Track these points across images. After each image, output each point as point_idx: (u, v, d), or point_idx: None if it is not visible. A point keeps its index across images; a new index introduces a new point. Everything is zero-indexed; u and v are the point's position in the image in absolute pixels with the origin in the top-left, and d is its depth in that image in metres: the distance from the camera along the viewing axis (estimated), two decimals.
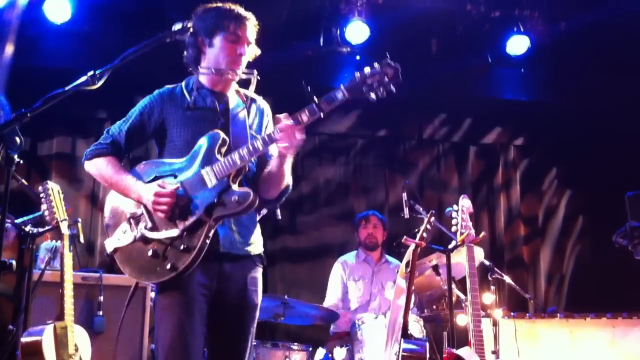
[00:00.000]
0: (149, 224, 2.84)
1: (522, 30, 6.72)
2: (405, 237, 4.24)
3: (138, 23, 6.10)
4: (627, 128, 7.00)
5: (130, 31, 6.14)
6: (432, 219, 4.33)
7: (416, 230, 4.30)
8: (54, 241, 4.54)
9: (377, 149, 7.35)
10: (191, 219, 2.79)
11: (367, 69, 2.77)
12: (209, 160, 2.84)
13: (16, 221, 4.13)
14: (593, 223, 7.41)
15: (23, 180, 4.22)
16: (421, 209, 4.88)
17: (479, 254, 4.74)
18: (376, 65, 2.78)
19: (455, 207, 4.19)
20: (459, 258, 4.32)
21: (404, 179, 6.13)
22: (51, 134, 6.48)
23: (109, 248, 2.92)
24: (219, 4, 3.05)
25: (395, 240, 5.99)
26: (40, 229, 4.07)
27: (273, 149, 2.94)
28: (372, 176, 7.31)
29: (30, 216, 4.18)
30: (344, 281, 5.87)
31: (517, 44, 6.75)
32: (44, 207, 4.00)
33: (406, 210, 4.90)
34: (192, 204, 2.81)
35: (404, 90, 7.33)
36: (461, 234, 4.10)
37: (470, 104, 7.39)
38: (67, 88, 2.51)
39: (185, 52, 3.09)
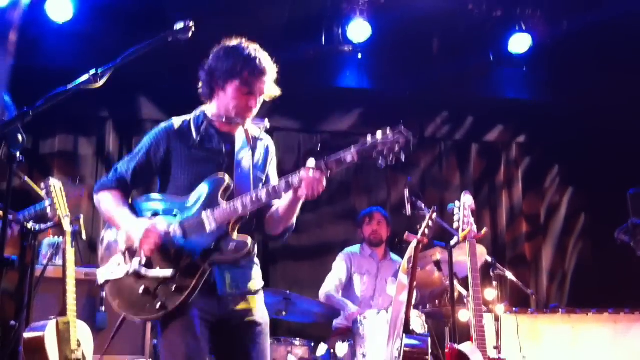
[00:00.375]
0: (144, 260, 2.82)
1: (523, 29, 6.74)
2: (407, 233, 4.24)
3: (139, 24, 6.11)
4: (629, 125, 6.99)
5: (132, 32, 6.16)
6: (434, 215, 4.32)
7: (418, 226, 4.30)
8: (56, 237, 4.55)
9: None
10: (186, 261, 2.78)
11: (379, 135, 2.73)
12: (211, 203, 2.82)
13: (19, 213, 4.15)
14: (595, 220, 7.41)
15: (26, 177, 4.24)
16: (423, 205, 4.88)
17: (482, 252, 4.74)
18: (389, 132, 2.73)
19: (457, 203, 4.18)
20: (462, 256, 4.32)
21: (406, 177, 6.13)
22: (53, 133, 6.49)
23: (100, 279, 2.90)
24: (240, 47, 2.95)
25: (397, 237, 6.02)
26: (43, 226, 4.09)
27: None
28: (374, 174, 7.30)
29: (32, 207, 4.20)
30: (349, 272, 5.87)
31: (519, 42, 6.77)
32: (46, 203, 4.01)
33: (408, 207, 4.90)
34: (188, 246, 2.80)
35: (406, 89, 7.38)
36: (463, 230, 4.09)
37: (472, 102, 7.39)
38: (69, 87, 2.53)
39: (200, 85, 3.04)
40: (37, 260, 4.33)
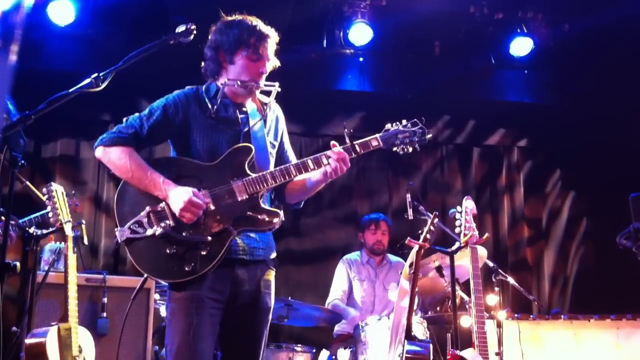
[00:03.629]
0: (172, 223, 2.83)
1: (525, 31, 6.73)
2: (408, 238, 4.22)
3: (141, 27, 6.12)
4: (631, 129, 6.97)
5: (134, 35, 6.16)
6: (436, 220, 4.30)
7: (420, 231, 4.28)
8: (57, 243, 4.54)
9: (380, 151, 7.32)
10: (219, 227, 2.82)
11: (399, 125, 3.11)
12: (238, 173, 2.88)
13: (21, 220, 4.13)
14: (597, 225, 7.38)
15: (27, 182, 4.23)
16: (425, 210, 4.87)
17: (483, 253, 4.72)
18: (408, 123, 3.14)
19: (458, 208, 4.16)
20: (463, 260, 4.30)
21: (407, 182, 6.11)
22: (55, 137, 6.49)
23: (121, 237, 2.86)
24: (240, 18, 3.03)
25: (397, 242, 6.00)
26: (44, 231, 4.07)
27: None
28: (376, 178, 7.29)
29: (36, 214, 4.18)
30: (349, 278, 5.87)
31: (521, 45, 6.77)
32: (48, 208, 3.99)
33: (410, 212, 4.90)
34: (220, 213, 2.84)
35: (407, 92, 7.35)
36: (464, 235, 4.08)
37: (474, 105, 7.37)
38: (70, 90, 2.53)
39: (203, 64, 3.08)
40: (39, 265, 4.32)
